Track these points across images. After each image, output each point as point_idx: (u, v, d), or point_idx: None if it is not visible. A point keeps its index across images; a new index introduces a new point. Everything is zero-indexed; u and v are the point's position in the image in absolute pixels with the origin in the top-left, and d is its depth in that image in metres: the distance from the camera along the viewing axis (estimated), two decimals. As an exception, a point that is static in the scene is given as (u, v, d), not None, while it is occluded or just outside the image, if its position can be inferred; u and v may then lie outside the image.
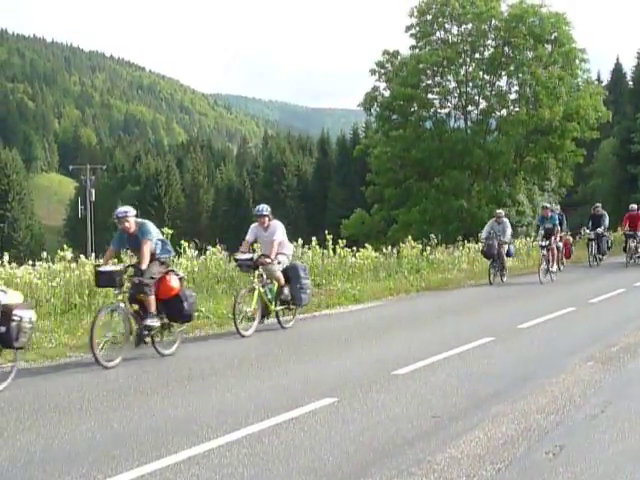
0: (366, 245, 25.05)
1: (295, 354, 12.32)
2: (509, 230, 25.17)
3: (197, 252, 19.89)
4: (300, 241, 22.97)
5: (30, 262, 16.93)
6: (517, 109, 55.53)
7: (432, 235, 29.08)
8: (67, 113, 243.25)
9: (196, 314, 15.81)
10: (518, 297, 20.64)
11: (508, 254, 25.29)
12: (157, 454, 6.92)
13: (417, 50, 56.69)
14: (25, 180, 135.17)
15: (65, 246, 17.41)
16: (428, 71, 56.21)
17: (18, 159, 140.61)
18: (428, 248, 28.19)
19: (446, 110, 58.37)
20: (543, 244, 24.59)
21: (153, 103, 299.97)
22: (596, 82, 63.30)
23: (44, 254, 17.11)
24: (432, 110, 57.76)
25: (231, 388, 9.79)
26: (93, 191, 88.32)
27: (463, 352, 11.85)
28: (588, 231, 30.50)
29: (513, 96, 56.76)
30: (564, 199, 56.82)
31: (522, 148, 55.14)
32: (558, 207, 32.38)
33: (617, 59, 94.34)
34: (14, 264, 16.55)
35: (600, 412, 8.12)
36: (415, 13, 56.00)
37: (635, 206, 31.32)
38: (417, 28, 56.38)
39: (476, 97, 57.47)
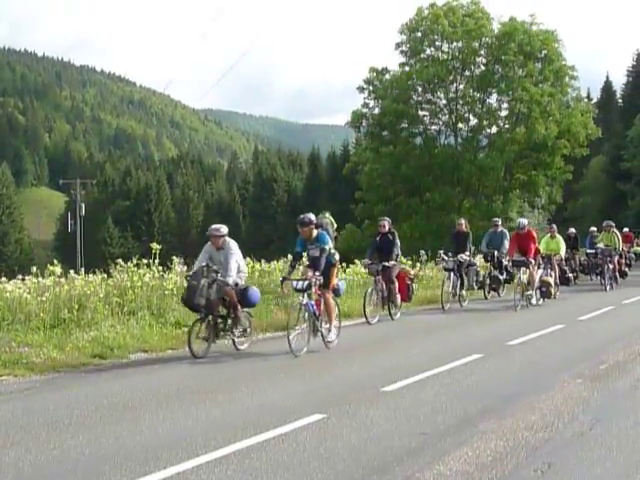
0: (356, 261, 25.00)
1: (284, 370, 12.30)
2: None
3: (186, 267, 19.87)
4: (290, 257, 22.95)
5: (19, 276, 16.88)
6: (507, 126, 55.75)
7: (422, 251, 29.10)
8: (57, 127, 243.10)
9: (186, 329, 15.87)
10: (508, 314, 20.60)
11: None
12: (145, 470, 6.90)
13: (407, 67, 56.94)
14: (15, 194, 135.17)
15: (55, 261, 17.37)
16: (419, 88, 56.52)
17: (8, 173, 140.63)
18: (418, 264, 28.18)
19: (436, 127, 58.67)
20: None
21: (144, 118, 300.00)
22: (586, 99, 63.61)
23: (34, 269, 17.04)
24: (422, 127, 58.01)
25: (220, 404, 9.78)
26: (83, 205, 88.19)
27: (452, 369, 11.86)
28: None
29: (504, 113, 57.03)
30: (553, 216, 56.97)
31: (511, 165, 55.36)
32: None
33: (607, 77, 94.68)
34: (4, 278, 16.50)
35: (588, 430, 8.13)
36: (405, 30, 56.30)
37: (525, 221, 23.46)
38: (407, 45, 56.70)
39: (466, 114, 57.74)
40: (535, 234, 22.63)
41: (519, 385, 10.69)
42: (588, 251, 30.49)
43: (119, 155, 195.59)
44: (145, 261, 18.07)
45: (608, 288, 26.89)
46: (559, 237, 26.56)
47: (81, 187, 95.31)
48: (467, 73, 56.74)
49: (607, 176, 76.63)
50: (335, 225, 15.77)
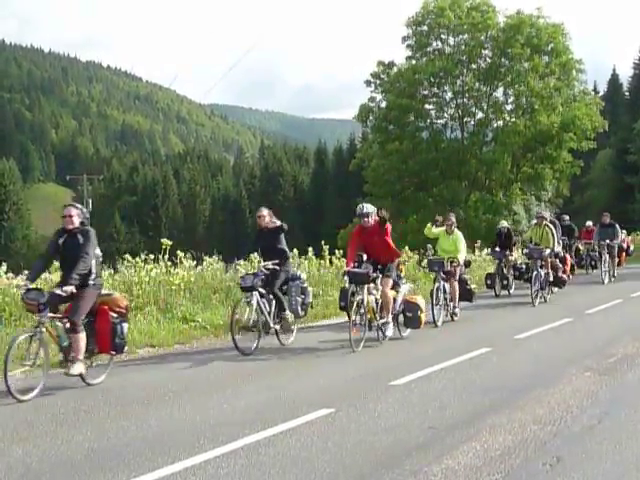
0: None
1: (292, 365, 12.30)
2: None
3: (195, 262, 19.91)
4: (296, 251, 22.99)
5: (26, 272, 16.88)
6: (514, 119, 55.62)
7: (429, 245, 29.05)
8: (64, 123, 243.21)
9: (193, 324, 15.84)
10: (516, 308, 20.52)
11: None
12: (153, 465, 6.89)
13: (413, 61, 56.82)
14: (22, 190, 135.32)
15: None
16: (425, 82, 56.34)
17: (15, 169, 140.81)
18: (425, 258, 28.14)
19: (442, 121, 58.55)
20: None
21: (150, 113, 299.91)
22: (593, 92, 63.41)
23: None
24: (428, 121, 57.90)
25: (228, 399, 9.77)
26: (90, 201, 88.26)
27: (460, 362, 11.84)
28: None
29: (510, 107, 56.88)
30: (561, 209, 56.79)
31: (519, 158, 55.25)
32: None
33: (614, 70, 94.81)
34: (10, 274, 16.52)
35: (597, 423, 8.10)
36: (411, 24, 56.17)
37: (368, 208, 20.20)
38: (413, 39, 56.55)
39: (472, 108, 57.60)
40: (387, 226, 14.44)
41: (527, 379, 10.66)
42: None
43: (125, 150, 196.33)
44: (152, 256, 18.09)
45: (537, 302, 20.51)
46: (458, 233, 18.78)
47: (88, 183, 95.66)
48: (473, 66, 56.56)
49: (614, 169, 76.56)
50: None
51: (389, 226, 14.43)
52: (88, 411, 9.18)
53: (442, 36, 56.41)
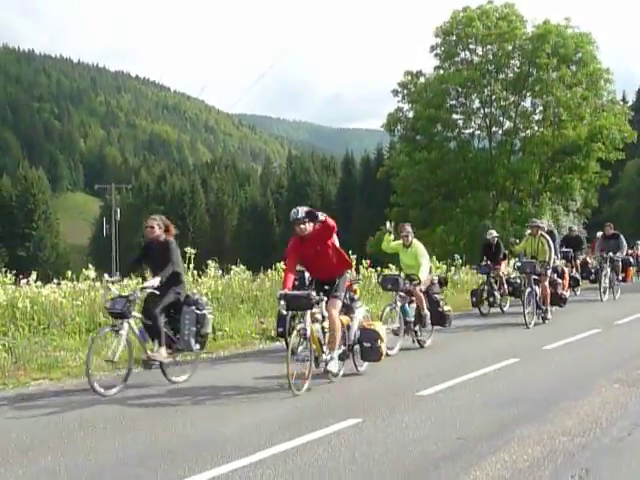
0: (390, 265, 24.84)
1: (319, 374, 12.28)
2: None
3: (222, 272, 19.97)
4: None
5: (55, 281, 17.01)
6: (542, 129, 55.43)
7: (457, 255, 29.02)
8: (93, 133, 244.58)
9: (220, 333, 15.86)
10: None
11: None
12: (180, 474, 6.91)
13: (441, 70, 56.82)
14: (51, 199, 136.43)
15: (89, 265, 17.52)
16: (452, 91, 56.30)
17: (44, 178, 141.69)
18: (452, 268, 28.10)
19: (470, 130, 58.46)
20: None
21: (178, 123, 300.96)
22: (621, 102, 63.07)
23: (69, 273, 17.16)
24: (456, 131, 57.82)
25: (255, 408, 9.77)
26: (118, 210, 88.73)
27: (488, 373, 11.80)
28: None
29: (537, 117, 56.69)
30: (590, 220, 56.48)
31: (547, 168, 55.05)
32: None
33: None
34: (39, 282, 16.63)
35: (627, 435, 8.04)
36: (439, 34, 56.18)
37: (300, 210, 20.32)
38: (441, 48, 56.55)
39: (500, 118, 57.45)
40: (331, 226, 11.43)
41: (556, 390, 10.60)
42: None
43: (154, 160, 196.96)
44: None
45: (531, 324, 18.38)
46: (418, 245, 15.88)
47: (116, 192, 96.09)
48: (501, 76, 56.46)
49: (643, 179, 76.17)
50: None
51: (334, 227, 11.45)
52: (115, 419, 9.21)
53: (470, 46, 56.36)
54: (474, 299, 21.79)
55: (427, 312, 15.41)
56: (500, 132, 57.94)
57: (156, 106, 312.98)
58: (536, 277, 18.77)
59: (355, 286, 14.89)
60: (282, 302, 11.18)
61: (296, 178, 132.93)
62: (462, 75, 54.75)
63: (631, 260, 28.39)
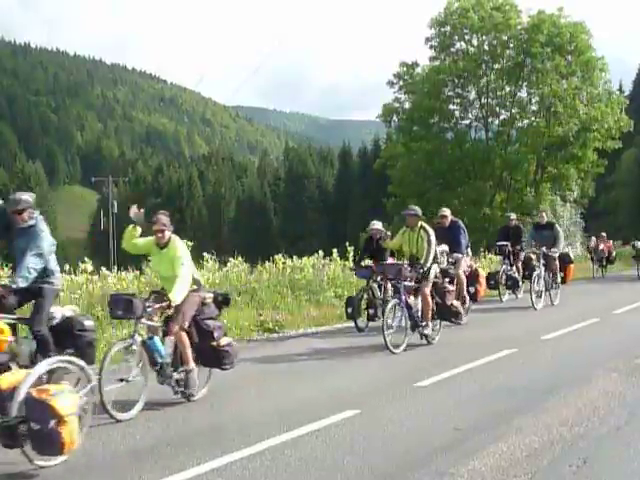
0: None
1: (318, 366, 12.29)
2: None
3: (219, 264, 19.95)
4: (321, 253, 23.02)
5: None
6: (538, 120, 55.37)
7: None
8: (89, 126, 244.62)
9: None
10: (541, 308, 20.22)
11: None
12: (179, 466, 6.92)
13: (437, 62, 56.75)
14: (48, 192, 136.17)
15: (86, 258, 17.50)
16: (449, 82, 56.21)
17: (41, 172, 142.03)
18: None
19: (467, 121, 58.40)
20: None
21: (175, 115, 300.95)
22: (617, 92, 62.97)
23: (66, 266, 17.13)
24: (453, 121, 57.77)
25: (253, 401, 9.78)
26: (115, 203, 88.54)
27: (486, 364, 11.80)
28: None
29: (534, 107, 56.62)
30: (587, 209, 56.43)
31: (543, 158, 55.01)
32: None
33: (639, 69, 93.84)
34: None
35: (624, 424, 8.06)
36: (434, 25, 56.07)
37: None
38: (437, 40, 56.44)
39: (497, 108, 57.36)
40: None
41: (553, 380, 10.60)
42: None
43: (151, 153, 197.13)
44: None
45: (399, 351, 13.18)
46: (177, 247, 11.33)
47: (113, 185, 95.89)
48: (497, 66, 56.33)
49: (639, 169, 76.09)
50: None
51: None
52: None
53: (465, 37, 56.24)
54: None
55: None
56: (497, 122, 57.90)
57: (153, 99, 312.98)
58: (408, 284, 13.91)
59: None
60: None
61: (293, 170, 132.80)
62: (458, 66, 54.69)
63: (571, 256, 24.10)
